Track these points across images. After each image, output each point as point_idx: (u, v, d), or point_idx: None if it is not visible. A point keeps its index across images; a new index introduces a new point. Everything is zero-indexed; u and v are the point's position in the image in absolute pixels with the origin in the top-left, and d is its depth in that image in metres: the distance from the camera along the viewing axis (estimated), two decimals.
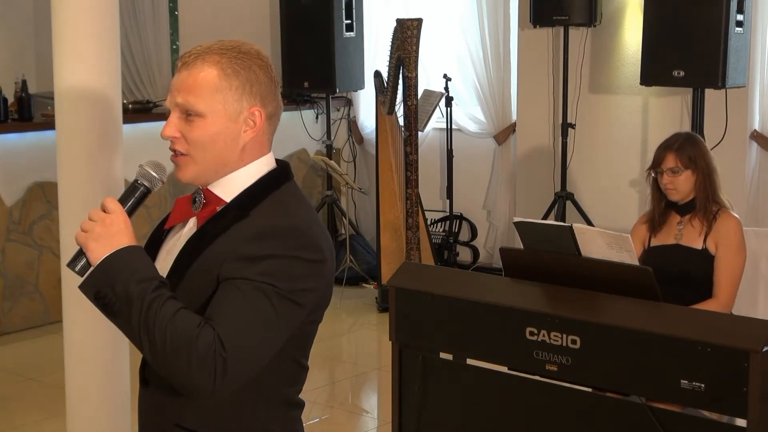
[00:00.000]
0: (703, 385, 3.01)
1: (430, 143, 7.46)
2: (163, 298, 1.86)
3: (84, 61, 4.20)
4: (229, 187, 2.02)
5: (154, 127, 6.83)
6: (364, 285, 7.07)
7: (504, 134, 7.20)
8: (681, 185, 3.85)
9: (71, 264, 1.95)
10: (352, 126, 7.89)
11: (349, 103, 7.85)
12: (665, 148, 3.89)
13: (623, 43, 6.58)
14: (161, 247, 2.10)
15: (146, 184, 2.04)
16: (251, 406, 2.00)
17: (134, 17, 7.10)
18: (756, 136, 6.22)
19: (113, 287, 1.87)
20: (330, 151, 7.56)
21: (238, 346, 1.85)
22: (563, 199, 6.58)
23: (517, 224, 3.60)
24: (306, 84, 7.29)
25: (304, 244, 1.94)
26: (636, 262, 3.45)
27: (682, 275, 3.80)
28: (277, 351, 1.94)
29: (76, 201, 4.28)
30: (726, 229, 3.81)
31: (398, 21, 6.39)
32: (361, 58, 7.39)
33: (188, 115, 1.99)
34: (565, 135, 6.56)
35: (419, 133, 6.66)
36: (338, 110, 7.83)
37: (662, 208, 3.94)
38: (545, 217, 6.55)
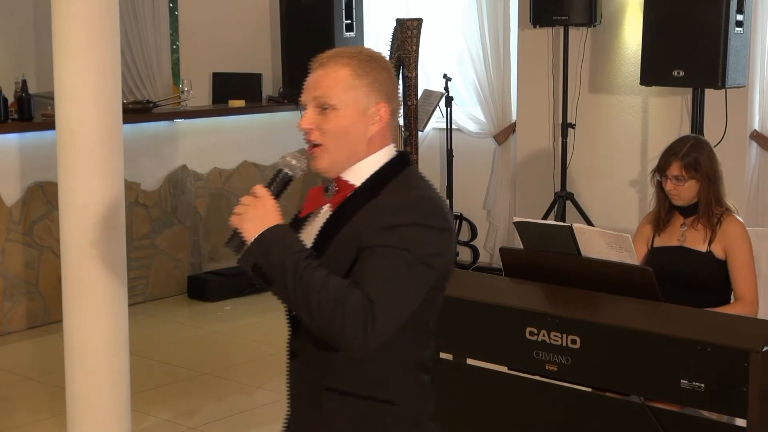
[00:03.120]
0: (702, 385, 3.01)
1: (430, 143, 7.47)
2: (313, 266, 2.10)
3: (84, 61, 4.20)
4: (358, 174, 2.25)
5: (155, 127, 6.84)
6: None
7: (504, 134, 7.21)
8: (684, 193, 3.84)
9: (228, 243, 2.21)
10: None
11: None
12: (672, 154, 3.86)
13: (623, 43, 6.59)
14: (300, 235, 2.32)
15: (288, 171, 2.26)
16: (389, 367, 2.23)
17: (134, 17, 7.10)
18: (756, 136, 6.22)
19: (268, 259, 2.12)
20: None
21: (384, 301, 2.09)
22: (563, 199, 6.58)
23: (517, 224, 3.61)
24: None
25: (433, 214, 2.18)
26: (636, 262, 3.46)
27: (684, 277, 3.79)
28: (412, 311, 2.17)
29: (76, 201, 4.29)
30: (733, 234, 3.80)
31: (398, 21, 6.40)
32: None
33: (323, 108, 2.22)
34: (565, 135, 6.57)
35: (419, 132, 6.67)
36: None
37: (667, 209, 3.93)
38: (545, 217, 6.55)
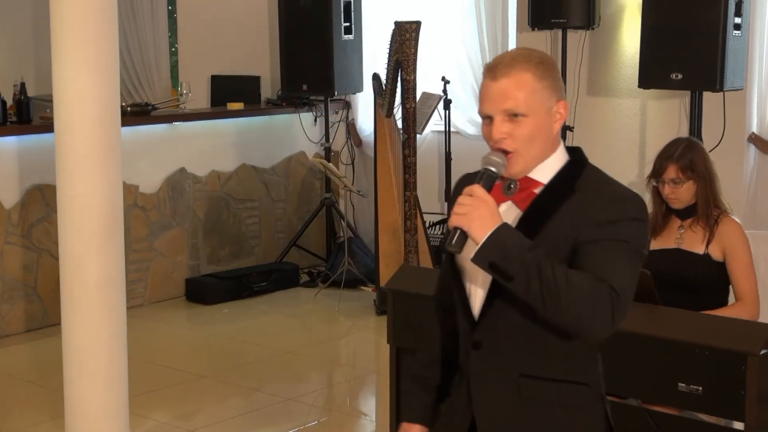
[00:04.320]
0: (700, 388, 3.02)
1: (428, 146, 7.47)
2: (550, 261, 2.19)
3: (83, 63, 4.21)
4: (544, 171, 2.36)
5: (153, 129, 6.85)
6: (362, 288, 7.08)
7: None
8: (683, 195, 3.85)
9: (452, 245, 2.24)
10: (351, 129, 7.90)
11: (347, 105, 7.85)
12: (666, 157, 3.87)
13: (621, 46, 6.59)
14: None
15: (493, 169, 2.32)
16: (581, 353, 2.35)
17: (133, 20, 7.10)
18: (754, 139, 6.23)
19: (507, 257, 2.19)
20: (328, 153, 7.57)
21: (624, 290, 2.20)
22: None
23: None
24: (304, 87, 7.29)
25: (641, 208, 2.32)
26: None
27: (682, 280, 3.80)
28: None
29: (75, 204, 4.29)
30: (731, 235, 3.81)
31: (396, 24, 6.41)
32: (360, 61, 7.39)
33: (514, 116, 2.31)
34: (563, 138, 6.56)
35: (418, 135, 6.67)
36: (337, 113, 7.83)
37: (663, 213, 3.93)
38: None
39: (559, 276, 2.18)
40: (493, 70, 2.34)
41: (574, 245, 2.27)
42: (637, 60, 5.81)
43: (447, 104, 6.92)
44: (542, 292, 2.18)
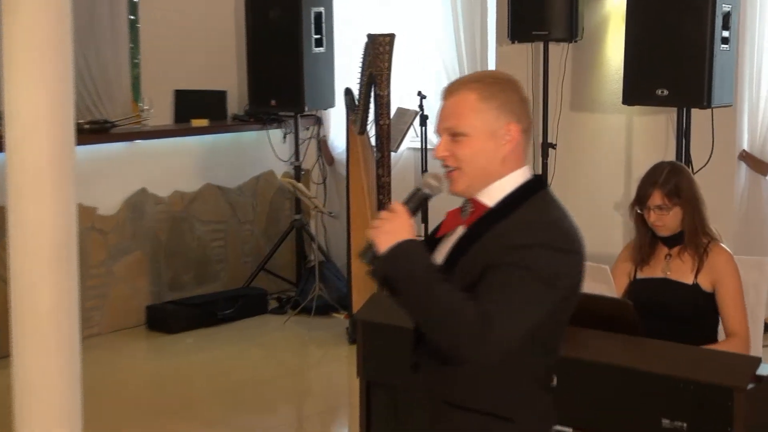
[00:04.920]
0: (685, 425, 3.02)
1: (404, 164, 7.47)
2: (440, 279, 2.35)
3: (35, 78, 4.16)
4: (492, 194, 2.48)
5: (112, 148, 6.82)
6: (334, 315, 7.05)
7: None
8: (669, 221, 3.86)
9: (362, 255, 2.45)
10: (322, 146, 7.88)
11: (318, 122, 7.84)
12: (651, 183, 3.87)
13: (605, 59, 6.63)
14: (434, 253, 2.54)
15: (426, 190, 2.52)
16: (509, 385, 2.43)
17: (91, 32, 7.04)
18: (745, 157, 6.26)
19: (398, 271, 2.37)
20: (298, 172, 7.56)
21: (498, 315, 2.29)
22: None
23: None
24: (273, 102, 7.29)
25: (560, 236, 2.39)
26: (615, 295, 3.46)
27: (669, 311, 3.80)
28: (532, 330, 2.37)
29: (26, 226, 4.22)
30: (722, 265, 3.82)
31: (369, 36, 6.41)
32: (332, 75, 7.40)
33: (455, 135, 2.46)
34: (545, 155, 6.58)
35: (392, 153, 6.67)
36: (307, 129, 7.82)
37: (649, 241, 3.93)
38: None
39: (439, 294, 2.32)
40: (446, 91, 2.53)
41: (484, 269, 2.38)
42: (622, 75, 5.84)
43: (423, 120, 6.92)
44: (420, 309, 2.36)
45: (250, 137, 7.58)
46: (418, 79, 7.27)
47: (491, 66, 7.10)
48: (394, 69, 6.44)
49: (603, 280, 3.43)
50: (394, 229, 2.42)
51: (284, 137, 7.73)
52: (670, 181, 3.85)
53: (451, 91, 2.52)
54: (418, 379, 2.52)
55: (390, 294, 2.43)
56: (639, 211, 3.90)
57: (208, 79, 7.51)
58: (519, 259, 2.34)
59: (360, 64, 6.52)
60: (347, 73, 7.37)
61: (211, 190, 7.39)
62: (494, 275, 2.35)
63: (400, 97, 7.19)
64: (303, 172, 7.70)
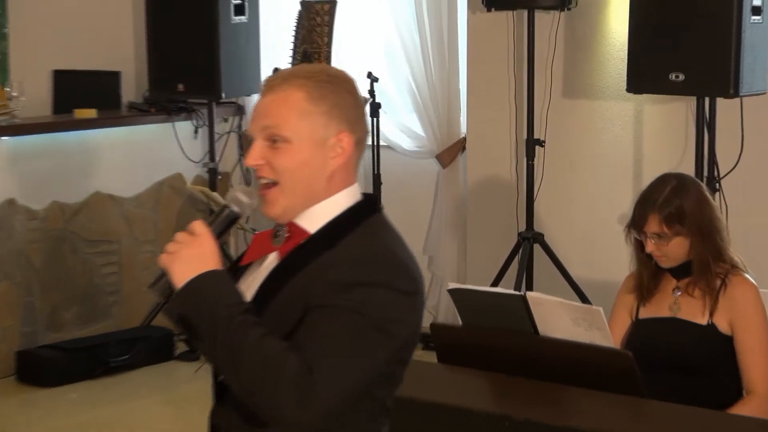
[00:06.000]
0: None
1: None
2: (249, 323, 2.36)
3: None
4: (314, 218, 2.53)
5: None
6: None
7: (450, 153, 7.28)
8: (672, 252, 3.91)
9: (153, 286, 2.48)
10: (245, 142, 7.90)
11: (240, 111, 7.86)
12: (647, 205, 3.92)
13: (607, 32, 6.63)
14: (238, 284, 2.55)
15: (235, 209, 2.54)
16: None
17: None
18: None
19: (197, 309, 2.39)
20: (214, 177, 7.57)
21: (326, 371, 2.33)
22: (530, 241, 6.63)
23: (453, 292, 3.67)
24: (180, 86, 7.29)
25: (397, 274, 2.44)
26: (611, 344, 3.53)
27: (678, 359, 3.84)
28: (364, 387, 2.41)
29: None
30: (743, 301, 3.86)
31: (303, 4, 6.46)
32: (256, 52, 7.40)
33: (274, 140, 2.50)
34: (531, 155, 6.62)
35: None
36: (225, 121, 7.84)
37: (652, 272, 3.99)
38: (506, 267, 6.61)
39: (248, 341, 2.34)
40: (266, 84, 2.57)
41: (305, 309, 2.41)
42: (626, 55, 5.88)
43: (375, 109, 6.96)
44: (224, 359, 2.37)
45: (150, 131, 7.57)
46: (367, 57, 7.31)
47: (462, 40, 7.14)
48: (335, 45, 6.48)
49: (596, 324, 3.49)
50: (193, 256, 2.43)
51: (195, 131, 7.73)
52: (671, 202, 3.88)
53: (273, 85, 2.54)
54: (223, 411, 2.55)
55: (189, 338, 2.45)
56: (636, 236, 3.96)
57: (97, 57, 7.50)
58: (350, 300, 2.37)
59: (292, 39, 6.56)
60: (276, 49, 7.39)
61: (100, 200, 7.37)
62: (319, 319, 2.38)
63: None
64: (220, 177, 7.71)
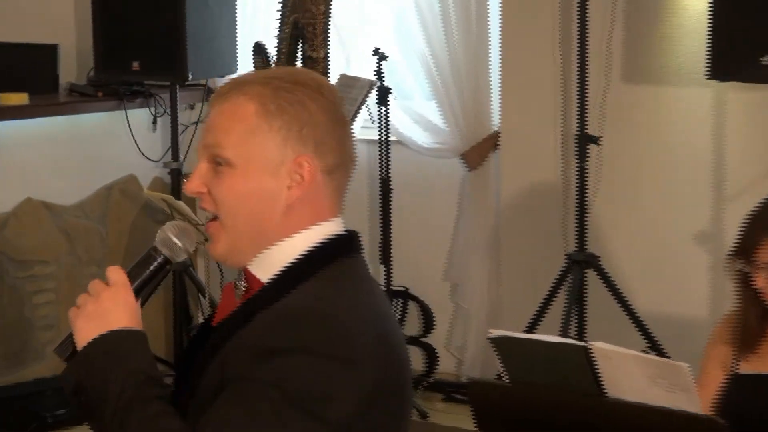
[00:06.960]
0: None
1: None
2: (145, 397, 2.38)
3: None
4: (268, 265, 2.53)
5: None
6: None
7: (479, 152, 7.29)
8: None
9: (58, 349, 2.51)
10: None
11: (210, 96, 7.86)
12: (761, 228, 3.95)
13: (680, 3, 6.67)
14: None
15: (165, 253, 2.56)
16: None
17: None
18: None
19: (92, 378, 2.40)
20: (178, 180, 7.58)
21: None
22: (581, 265, 6.63)
23: (496, 341, 3.66)
24: (135, 65, 7.30)
25: (328, 336, 2.37)
26: (698, 408, 3.52)
27: None
28: None
29: None
30: None
31: None
32: (233, 22, 7.43)
33: (218, 164, 2.50)
34: (582, 156, 6.62)
35: None
36: (192, 108, 7.87)
37: (759, 316, 3.98)
38: (550, 298, 6.59)
39: (140, 421, 2.36)
40: (216, 92, 2.59)
41: (222, 381, 2.40)
42: (706, 30, 5.88)
43: (383, 95, 6.98)
44: None
45: (99, 121, 7.60)
46: (375, 30, 7.35)
47: (494, 12, 7.14)
48: (334, 14, 6.48)
49: (680, 384, 3.47)
50: (101, 311, 2.46)
51: (154, 122, 7.77)
52: None
53: (221, 93, 2.55)
54: None
55: (81, 413, 2.44)
56: (742, 267, 3.95)
57: (29, 27, 7.53)
58: (267, 372, 2.34)
59: (279, 6, 6.56)
60: (258, 18, 7.41)
61: (32, 209, 7.39)
62: (228, 397, 2.36)
63: (346, 58, 7.23)
64: (184, 180, 7.69)
